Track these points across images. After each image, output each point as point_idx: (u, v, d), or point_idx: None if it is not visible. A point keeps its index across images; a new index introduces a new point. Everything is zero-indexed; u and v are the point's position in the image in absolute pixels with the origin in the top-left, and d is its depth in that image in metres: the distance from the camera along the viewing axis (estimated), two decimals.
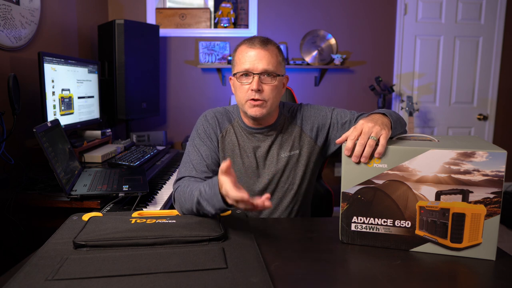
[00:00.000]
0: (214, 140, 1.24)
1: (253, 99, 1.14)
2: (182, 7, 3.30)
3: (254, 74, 1.14)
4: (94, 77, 2.34)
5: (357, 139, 0.91)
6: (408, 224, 0.89)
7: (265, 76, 1.15)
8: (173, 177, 2.05)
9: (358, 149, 0.89)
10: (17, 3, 1.84)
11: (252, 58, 1.14)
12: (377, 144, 0.89)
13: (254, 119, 1.20)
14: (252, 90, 1.13)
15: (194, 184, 1.05)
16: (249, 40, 1.17)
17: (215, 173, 1.20)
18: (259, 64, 1.13)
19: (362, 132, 0.92)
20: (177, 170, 2.21)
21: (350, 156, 0.90)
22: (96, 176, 1.64)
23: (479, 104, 3.40)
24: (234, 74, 1.18)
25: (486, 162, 0.82)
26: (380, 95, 3.16)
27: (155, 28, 2.86)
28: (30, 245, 1.33)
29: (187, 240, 0.86)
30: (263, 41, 1.17)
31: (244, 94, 1.16)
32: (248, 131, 1.25)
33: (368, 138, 0.90)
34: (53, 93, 1.85)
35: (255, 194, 1.24)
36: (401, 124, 1.14)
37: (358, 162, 0.90)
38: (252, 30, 3.18)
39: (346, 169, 0.91)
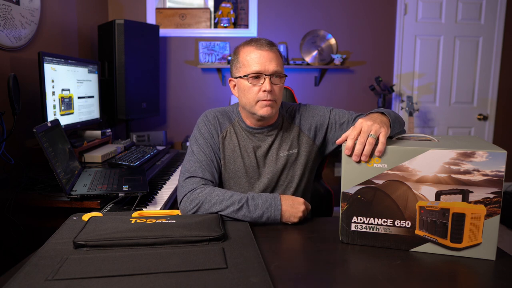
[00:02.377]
0: (216, 141, 1.24)
1: (265, 100, 1.15)
2: (182, 7, 3.30)
3: (265, 75, 1.15)
4: (94, 77, 2.34)
5: (357, 138, 0.91)
6: (408, 224, 0.89)
7: (274, 77, 1.17)
8: (173, 177, 2.05)
9: (358, 148, 0.89)
10: (17, 3, 1.84)
11: (262, 60, 1.15)
12: (376, 144, 0.89)
13: (260, 119, 1.21)
14: (265, 91, 1.14)
15: (226, 191, 1.09)
16: (256, 42, 1.18)
17: (219, 174, 1.24)
18: (270, 66, 1.15)
19: (362, 131, 0.93)
20: (179, 169, 2.21)
21: (350, 155, 0.90)
22: (96, 176, 1.64)
23: (479, 104, 3.40)
24: (244, 76, 1.17)
25: (486, 162, 0.82)
26: (380, 95, 3.16)
27: (155, 28, 2.86)
28: (30, 245, 1.33)
29: (187, 240, 0.86)
30: (269, 43, 1.18)
31: (254, 95, 1.16)
32: (248, 131, 1.25)
33: (368, 137, 0.90)
34: (53, 93, 1.85)
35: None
36: (400, 123, 1.14)
37: (359, 162, 0.90)
38: (252, 30, 3.18)
39: (346, 169, 0.91)
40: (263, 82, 1.15)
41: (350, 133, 0.93)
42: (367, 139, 0.90)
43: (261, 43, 1.17)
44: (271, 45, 1.18)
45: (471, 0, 3.25)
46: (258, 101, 1.16)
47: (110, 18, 3.12)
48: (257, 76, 1.16)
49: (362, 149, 0.89)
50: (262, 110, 1.17)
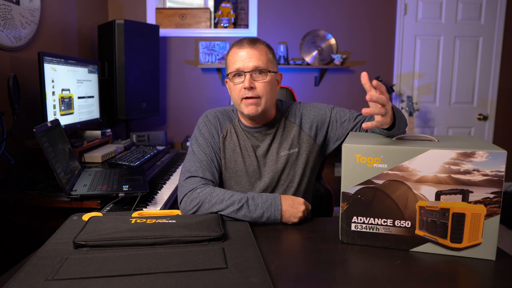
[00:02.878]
0: (216, 141, 1.25)
1: (246, 97, 1.16)
2: (182, 7, 3.30)
3: (245, 72, 1.16)
4: (94, 77, 2.34)
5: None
6: (408, 224, 0.89)
7: (257, 73, 1.17)
8: (173, 177, 2.05)
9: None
10: (17, 3, 1.84)
11: (242, 58, 1.17)
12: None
13: (250, 118, 1.21)
14: (245, 88, 1.16)
15: (226, 191, 1.09)
16: (238, 42, 1.21)
17: (219, 174, 1.24)
18: (249, 62, 1.16)
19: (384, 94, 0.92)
20: (179, 169, 2.21)
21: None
22: (96, 176, 1.64)
23: (479, 104, 3.40)
24: (227, 75, 1.21)
25: (486, 162, 0.82)
26: None
27: (155, 28, 2.86)
28: (30, 245, 1.33)
29: (187, 240, 0.86)
30: (251, 40, 1.20)
31: (238, 94, 1.18)
32: (247, 131, 1.26)
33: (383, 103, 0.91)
34: (53, 93, 1.85)
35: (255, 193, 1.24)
36: (403, 124, 1.11)
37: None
38: (252, 30, 3.18)
39: (346, 169, 0.91)
40: (243, 80, 1.17)
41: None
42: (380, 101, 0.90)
43: (243, 42, 1.19)
44: (254, 42, 1.19)
45: (471, 0, 3.25)
46: (242, 99, 1.18)
47: (110, 18, 3.12)
48: (239, 74, 1.18)
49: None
50: (247, 109, 1.18)
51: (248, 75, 1.16)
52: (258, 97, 1.17)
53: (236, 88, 1.18)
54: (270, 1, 3.17)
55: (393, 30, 3.26)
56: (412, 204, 0.88)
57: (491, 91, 3.37)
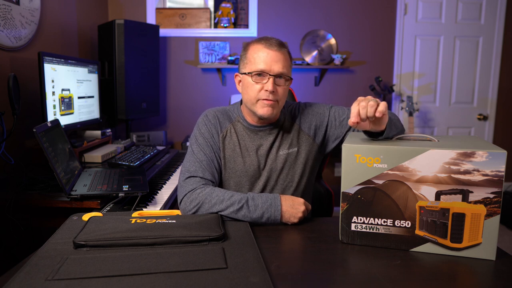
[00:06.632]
0: (216, 141, 1.25)
1: (266, 99, 1.16)
2: (182, 7, 3.30)
3: (270, 75, 1.15)
4: (94, 77, 2.34)
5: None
6: (408, 224, 0.89)
7: (279, 78, 1.17)
8: (173, 177, 2.05)
9: (362, 112, 0.91)
10: (17, 3, 1.84)
11: (268, 59, 1.15)
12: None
13: (261, 118, 1.21)
14: (267, 90, 1.15)
15: (226, 191, 1.09)
16: (266, 40, 1.18)
17: (219, 174, 1.24)
18: (275, 66, 1.15)
19: (361, 100, 0.94)
20: (179, 169, 2.21)
21: (356, 127, 0.94)
22: (96, 176, 1.64)
23: (479, 104, 3.40)
24: (248, 73, 1.18)
25: (486, 162, 0.82)
26: (380, 95, 3.16)
27: (155, 28, 2.86)
28: (30, 245, 1.33)
29: (187, 240, 0.86)
30: (279, 43, 1.18)
31: (255, 94, 1.17)
32: (250, 130, 1.26)
33: (369, 102, 0.92)
34: (53, 93, 1.85)
35: (255, 192, 1.24)
36: (396, 126, 1.10)
37: (359, 123, 0.93)
38: (252, 30, 3.18)
39: (346, 169, 0.91)
40: (266, 82, 1.16)
41: (353, 105, 0.94)
42: (368, 103, 0.92)
43: (271, 42, 1.17)
44: (281, 46, 1.18)
45: (471, 0, 3.25)
46: (259, 100, 1.17)
47: (110, 18, 3.12)
48: (261, 74, 1.16)
49: (365, 112, 0.91)
50: (262, 110, 1.17)
51: (272, 79, 1.15)
52: (276, 101, 1.17)
53: (255, 88, 1.17)
54: (270, 1, 3.17)
55: (393, 30, 3.26)
56: (412, 204, 0.88)
57: (491, 91, 3.37)
